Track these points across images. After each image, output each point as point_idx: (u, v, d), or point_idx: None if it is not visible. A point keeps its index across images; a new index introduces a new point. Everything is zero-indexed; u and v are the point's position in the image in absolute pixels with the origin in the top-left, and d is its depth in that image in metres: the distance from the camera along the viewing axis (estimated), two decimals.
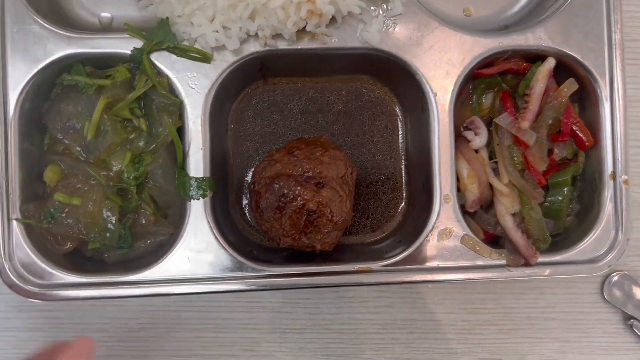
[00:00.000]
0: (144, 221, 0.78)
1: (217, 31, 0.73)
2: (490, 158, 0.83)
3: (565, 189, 0.82)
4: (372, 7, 0.77)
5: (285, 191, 0.72)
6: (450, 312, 0.88)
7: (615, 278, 0.88)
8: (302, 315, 0.86)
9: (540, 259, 0.79)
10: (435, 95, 0.78)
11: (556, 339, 0.89)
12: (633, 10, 0.90)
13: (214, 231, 0.75)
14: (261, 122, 0.85)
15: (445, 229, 0.78)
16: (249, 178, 0.84)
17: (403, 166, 0.87)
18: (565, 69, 0.82)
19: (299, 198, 0.72)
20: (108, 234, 0.75)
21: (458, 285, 0.87)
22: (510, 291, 0.88)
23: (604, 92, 0.80)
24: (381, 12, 0.78)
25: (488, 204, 0.83)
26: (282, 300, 0.86)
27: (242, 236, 0.84)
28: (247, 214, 0.84)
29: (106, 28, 0.83)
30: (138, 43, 0.75)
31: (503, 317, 0.88)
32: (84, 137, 0.74)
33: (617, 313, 0.89)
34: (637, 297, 0.88)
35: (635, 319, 0.88)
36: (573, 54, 0.80)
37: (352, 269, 0.76)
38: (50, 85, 0.77)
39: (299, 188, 0.72)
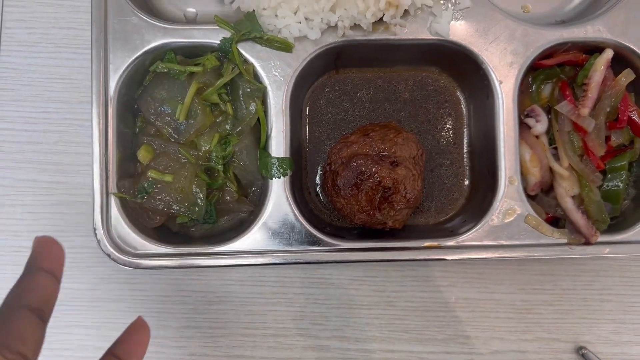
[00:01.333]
0: (228, 198, 0.84)
1: (300, 22, 0.80)
2: (550, 144, 0.87)
3: (623, 173, 0.86)
4: (442, 1, 0.83)
5: (363, 169, 0.77)
6: (510, 292, 0.92)
7: None
8: (368, 292, 0.91)
9: (600, 239, 0.83)
10: (500, 83, 0.83)
11: (612, 321, 0.92)
12: None
13: (293, 208, 0.81)
14: (332, 110, 0.91)
15: (510, 208, 0.83)
16: (321, 161, 0.90)
17: (466, 152, 0.91)
18: (623, 60, 0.86)
19: (375, 175, 0.77)
20: (197, 209, 0.81)
21: (516, 265, 0.91)
22: (567, 273, 0.92)
23: None
24: (450, 6, 0.83)
25: (548, 188, 0.88)
26: (350, 277, 0.91)
27: (315, 215, 0.89)
28: (320, 194, 0.90)
29: (191, 22, 0.90)
30: (226, 34, 0.82)
31: (560, 297, 0.92)
32: (175, 120, 0.81)
33: None
34: None
35: None
36: (631, 46, 0.85)
37: (422, 245, 0.81)
38: (143, 72, 0.84)
39: (375, 166, 0.77)
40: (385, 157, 0.78)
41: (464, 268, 0.92)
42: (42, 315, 0.44)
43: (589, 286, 0.93)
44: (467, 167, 0.91)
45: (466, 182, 0.91)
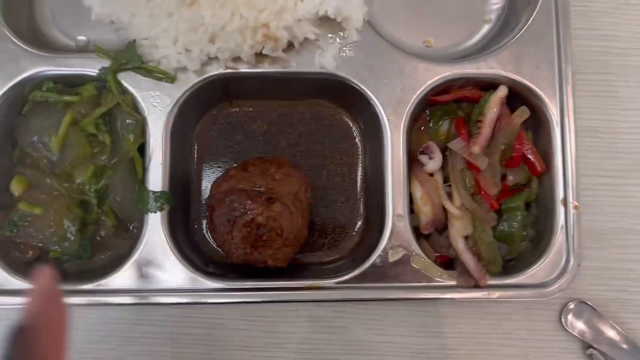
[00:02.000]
0: (103, 233, 0.80)
1: (179, 53, 0.78)
2: (445, 182, 0.85)
3: (518, 214, 0.83)
4: (329, 35, 0.81)
5: (236, 204, 0.74)
6: (407, 334, 0.88)
7: (572, 306, 0.88)
8: (257, 333, 0.87)
9: (492, 282, 0.80)
10: (388, 119, 0.81)
11: None
12: (591, 44, 0.94)
13: (169, 244, 0.78)
14: (225, 142, 0.88)
15: (396, 248, 0.79)
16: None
17: (361, 188, 0.89)
18: (519, 97, 0.85)
19: (249, 212, 0.74)
20: (67, 244, 0.77)
21: (415, 307, 0.88)
22: (467, 316, 0.89)
23: (554, 118, 0.82)
24: (338, 40, 0.81)
25: (443, 227, 0.85)
26: (239, 317, 0.87)
27: (202, 253, 0.86)
28: (206, 231, 0.86)
29: (82, 50, 0.88)
30: (107, 63, 0.79)
31: (459, 342, 0.88)
32: (51, 151, 0.78)
33: (576, 342, 0.89)
34: (595, 325, 0.88)
35: (594, 348, 0.87)
36: (525, 82, 0.83)
37: (303, 285, 0.78)
38: (22, 102, 0.81)
39: (249, 202, 0.74)
40: (261, 192, 0.75)
41: (361, 309, 0.88)
42: None
43: (490, 330, 0.89)
44: (362, 204, 0.88)
45: (360, 220, 0.88)
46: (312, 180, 0.88)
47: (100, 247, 0.81)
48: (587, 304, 0.88)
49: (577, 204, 0.81)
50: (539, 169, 0.83)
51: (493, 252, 0.82)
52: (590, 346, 0.87)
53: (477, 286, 0.80)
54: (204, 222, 0.87)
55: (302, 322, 0.87)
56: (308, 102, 0.89)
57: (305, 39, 0.79)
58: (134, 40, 0.79)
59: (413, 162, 0.85)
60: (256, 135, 0.89)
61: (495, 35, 0.91)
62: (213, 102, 0.87)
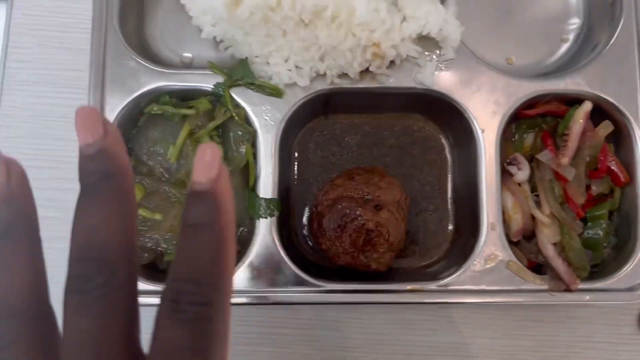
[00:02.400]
0: None
1: (290, 70, 0.83)
2: (533, 191, 0.89)
3: (603, 222, 0.88)
4: (426, 52, 0.87)
5: (347, 211, 0.79)
6: (494, 337, 0.92)
7: None
8: (353, 334, 0.91)
9: (581, 286, 0.84)
10: (482, 131, 0.86)
11: None
12: None
13: (279, 248, 0.83)
14: (321, 153, 0.94)
15: (491, 254, 0.84)
16: (308, 202, 0.92)
17: (450, 197, 0.94)
18: (602, 112, 0.90)
19: (359, 218, 0.79)
20: None
21: (501, 311, 0.92)
22: (551, 320, 0.93)
23: (637, 133, 0.87)
24: (434, 57, 0.87)
25: (530, 235, 0.90)
26: (335, 319, 0.91)
27: (302, 255, 0.91)
28: (306, 236, 0.91)
29: (187, 66, 0.94)
30: (219, 79, 0.85)
31: (544, 344, 0.92)
32: (167, 160, 0.84)
33: None
34: None
35: None
36: (608, 98, 0.88)
37: (405, 288, 0.82)
38: (138, 114, 0.87)
39: (359, 209, 0.79)
40: (369, 200, 0.80)
41: (449, 312, 0.93)
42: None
43: (572, 333, 0.93)
44: (451, 213, 0.93)
45: (450, 227, 0.93)
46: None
47: None
48: None
49: None
50: (622, 179, 0.88)
51: (581, 257, 0.86)
52: None
53: (567, 290, 0.84)
54: (303, 229, 0.92)
55: (393, 324, 0.92)
56: (399, 115, 0.95)
57: (407, 56, 0.85)
58: (246, 57, 0.85)
59: (503, 173, 0.90)
60: (350, 146, 0.94)
61: (575, 53, 0.96)
62: (312, 116, 0.93)
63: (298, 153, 0.93)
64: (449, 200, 0.94)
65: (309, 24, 0.79)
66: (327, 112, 0.93)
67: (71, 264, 0.36)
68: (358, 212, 0.79)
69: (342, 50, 0.80)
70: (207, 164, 0.37)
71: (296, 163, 0.93)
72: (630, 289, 0.84)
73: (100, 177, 0.37)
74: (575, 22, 0.98)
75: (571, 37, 0.98)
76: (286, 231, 0.90)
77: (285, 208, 0.90)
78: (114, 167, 0.37)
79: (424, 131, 0.95)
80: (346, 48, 0.80)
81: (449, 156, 0.94)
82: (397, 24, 0.81)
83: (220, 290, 0.36)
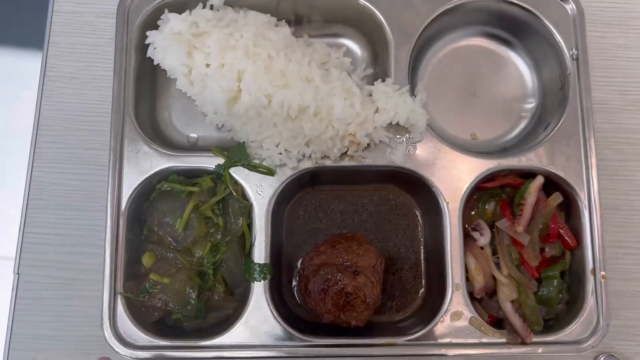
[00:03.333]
0: (216, 297, 0.98)
1: (280, 153, 0.97)
2: (493, 254, 1.02)
3: (555, 281, 1.00)
4: (397, 136, 1.01)
5: (329, 277, 0.92)
6: None
7: (602, 358, 1.04)
8: None
9: (535, 339, 0.96)
10: (447, 203, 1.00)
11: None
12: (612, 135, 1.12)
13: (271, 307, 0.95)
14: (309, 220, 1.07)
15: (456, 311, 0.97)
16: (298, 264, 1.05)
17: (422, 258, 1.07)
18: (553, 184, 1.03)
19: (339, 282, 0.92)
20: (189, 307, 0.95)
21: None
22: None
23: (583, 203, 1.00)
24: (404, 140, 1.01)
25: (492, 292, 1.02)
26: None
27: (291, 312, 1.03)
28: (295, 294, 1.04)
29: (192, 145, 1.08)
30: (220, 160, 0.99)
31: None
32: (175, 230, 0.97)
33: None
34: None
35: None
36: (558, 173, 1.01)
37: (380, 342, 0.95)
38: (151, 189, 1.01)
39: (339, 274, 0.92)
40: (348, 266, 0.93)
41: None
42: None
43: None
44: (423, 272, 1.06)
45: (422, 285, 1.06)
46: (381, 250, 1.06)
47: (211, 308, 0.99)
48: (615, 357, 1.04)
49: (604, 273, 0.98)
50: (571, 244, 1.01)
51: (535, 313, 0.98)
52: None
53: (523, 343, 0.96)
54: (293, 287, 1.04)
55: None
56: (377, 186, 1.08)
57: (380, 141, 0.99)
58: (244, 142, 0.99)
59: (465, 237, 1.03)
60: (334, 213, 1.08)
61: (531, 130, 1.10)
62: (301, 188, 1.07)
63: (289, 221, 1.07)
64: (422, 261, 1.07)
65: (295, 119, 0.93)
66: (314, 185, 1.07)
67: None
68: (338, 277, 0.92)
69: (324, 139, 0.94)
70: None
71: (287, 229, 1.07)
72: (578, 342, 0.96)
73: None
74: (532, 102, 1.12)
75: (529, 115, 1.12)
76: (277, 290, 1.03)
77: (277, 270, 1.03)
78: None
79: (398, 200, 1.08)
80: (327, 137, 0.94)
81: (420, 222, 1.08)
82: (370, 115, 0.96)
83: None
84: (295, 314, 1.03)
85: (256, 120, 0.95)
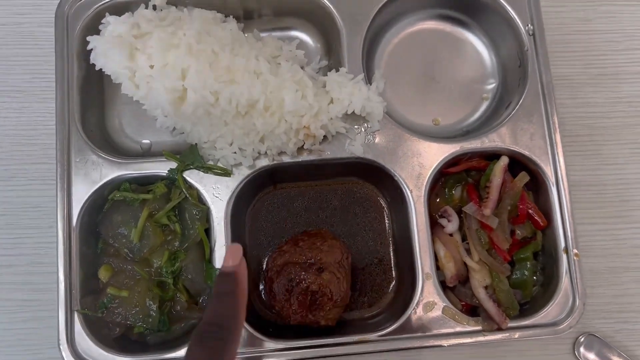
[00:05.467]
0: (179, 307, 0.94)
1: (235, 152, 0.94)
2: (463, 240, 0.99)
3: (528, 263, 0.97)
4: (355, 126, 0.98)
5: (293, 276, 0.89)
6: None
7: (583, 339, 1.01)
8: None
9: (511, 324, 0.93)
10: (411, 191, 0.97)
11: None
12: (577, 110, 1.10)
13: None
14: (272, 219, 1.04)
15: (428, 302, 0.93)
16: (264, 266, 1.01)
17: (391, 250, 1.03)
18: (519, 164, 1.00)
19: (303, 281, 0.88)
20: (150, 319, 0.91)
21: (445, 352, 1.01)
22: (492, 355, 1.02)
23: (550, 180, 0.98)
24: (363, 130, 0.98)
25: (465, 279, 0.99)
26: None
27: (260, 316, 0.99)
28: (264, 297, 1.00)
29: (146, 151, 1.04)
30: (173, 164, 0.95)
31: None
32: (131, 241, 0.93)
33: None
34: (605, 355, 1.01)
35: None
36: (522, 152, 0.99)
37: (352, 340, 0.91)
38: (103, 200, 0.97)
39: (303, 273, 0.89)
40: (312, 264, 0.90)
41: (399, 356, 1.01)
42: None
43: None
44: (394, 264, 1.03)
45: (393, 278, 1.03)
46: (349, 246, 1.02)
47: (176, 319, 0.95)
48: (596, 336, 1.02)
49: (577, 251, 0.95)
50: (541, 223, 0.98)
51: (510, 298, 0.95)
52: None
53: (499, 329, 0.93)
54: (261, 290, 1.01)
55: None
56: (340, 180, 1.05)
57: (337, 132, 0.96)
58: (196, 144, 0.95)
59: (434, 225, 1.00)
60: (298, 211, 1.04)
61: (493, 111, 1.07)
62: (261, 187, 1.03)
63: (252, 222, 1.03)
64: (391, 253, 1.03)
65: (245, 115, 0.90)
66: (275, 184, 1.04)
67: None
68: (302, 276, 0.88)
69: (278, 133, 0.91)
70: (233, 255, 0.69)
71: (250, 230, 1.03)
72: (555, 324, 0.94)
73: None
74: (492, 82, 1.10)
75: (490, 95, 1.09)
76: None
77: None
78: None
79: (363, 192, 1.05)
80: (281, 132, 0.90)
81: (386, 213, 1.05)
82: (324, 106, 0.92)
83: (232, 333, 0.64)
84: (264, 318, 0.99)
85: (206, 120, 0.91)
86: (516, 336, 0.93)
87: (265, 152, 0.94)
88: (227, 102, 0.87)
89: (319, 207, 1.04)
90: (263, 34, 1.06)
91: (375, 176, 1.02)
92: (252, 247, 1.03)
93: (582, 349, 1.01)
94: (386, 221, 1.04)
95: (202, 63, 0.87)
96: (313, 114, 0.91)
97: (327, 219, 1.04)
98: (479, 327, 0.93)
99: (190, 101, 0.87)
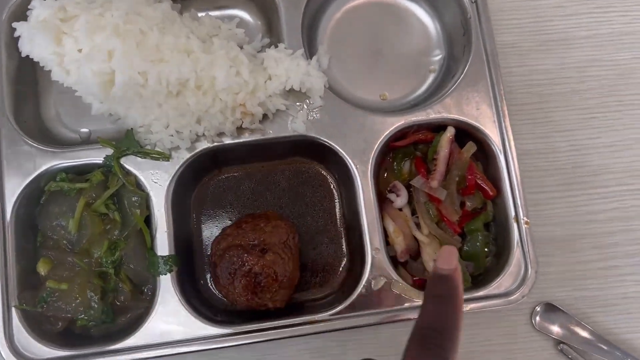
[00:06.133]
0: (122, 298, 0.92)
1: (172, 135, 0.91)
2: (413, 214, 0.97)
3: (479, 234, 0.96)
4: (297, 103, 0.95)
5: (235, 259, 0.86)
6: (398, 353, 0.99)
7: (539, 308, 1.00)
8: None
9: (464, 296, 0.91)
10: (356, 167, 0.94)
11: None
12: (525, 78, 1.08)
13: (181, 301, 0.89)
14: (218, 204, 1.01)
15: (377, 278, 0.91)
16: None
17: (342, 229, 1.01)
18: (466, 134, 0.98)
19: (246, 264, 0.86)
20: (92, 312, 0.88)
21: (401, 328, 0.98)
22: None
23: (498, 148, 0.96)
24: (305, 106, 0.95)
25: (417, 254, 0.97)
26: (250, 358, 0.97)
27: (210, 304, 0.97)
28: (211, 284, 0.98)
29: (85, 141, 1.01)
30: (110, 151, 0.92)
31: None
32: (69, 232, 0.90)
33: (548, 340, 1.00)
34: (563, 323, 0.99)
35: (564, 343, 0.99)
36: (468, 121, 0.97)
37: (300, 321, 0.89)
38: (40, 192, 0.94)
39: (246, 255, 0.86)
40: (255, 245, 0.87)
41: (356, 335, 0.99)
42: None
43: (472, 339, 1.00)
44: (345, 243, 1.01)
45: (345, 256, 1.00)
46: (299, 227, 1.00)
47: (121, 310, 0.92)
48: (553, 305, 1.00)
49: (527, 220, 0.94)
50: (490, 193, 0.96)
51: (462, 270, 0.93)
52: (561, 342, 0.99)
53: None
54: (208, 276, 0.98)
55: (305, 355, 0.98)
56: (287, 160, 1.03)
57: (277, 110, 0.93)
58: (132, 128, 0.92)
59: (384, 200, 0.98)
60: (245, 194, 1.01)
61: (441, 82, 1.05)
62: (205, 171, 1.00)
63: (198, 207, 1.00)
64: (342, 232, 1.01)
65: (178, 95, 0.87)
66: (219, 166, 1.01)
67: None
68: (245, 258, 0.86)
69: (213, 113, 0.88)
70: (449, 257, 0.61)
71: (197, 217, 1.00)
72: (507, 294, 0.92)
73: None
74: (439, 53, 1.08)
75: (437, 67, 1.07)
76: (191, 282, 0.96)
77: (188, 260, 0.97)
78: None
79: (310, 171, 1.03)
80: (216, 111, 0.88)
81: (335, 191, 1.02)
82: (261, 83, 0.90)
83: (453, 342, 0.58)
84: (212, 305, 0.97)
85: (138, 102, 0.88)
86: (469, 308, 0.91)
87: (203, 133, 0.91)
88: (156, 81, 0.84)
89: (267, 189, 1.02)
90: (202, 14, 1.03)
91: (321, 154, 0.99)
92: (199, 233, 1.00)
93: (537, 318, 1.00)
94: (336, 199, 1.02)
95: (128, 43, 0.84)
96: (249, 91, 0.88)
97: (275, 201, 1.02)
98: None
99: (119, 83, 0.84)
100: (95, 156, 0.93)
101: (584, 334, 0.98)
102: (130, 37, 0.85)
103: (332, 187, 1.02)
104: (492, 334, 1.01)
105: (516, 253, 0.93)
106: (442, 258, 0.62)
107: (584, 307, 1.02)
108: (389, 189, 0.98)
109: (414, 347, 0.58)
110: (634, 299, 1.02)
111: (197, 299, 0.94)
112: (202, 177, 1.01)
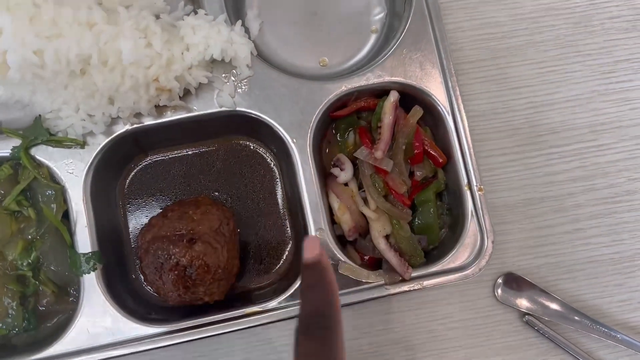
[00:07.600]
0: (45, 302, 0.84)
1: (83, 119, 0.82)
2: (360, 189, 0.90)
3: (431, 205, 0.89)
4: (223, 75, 0.86)
5: (160, 252, 0.78)
6: (355, 337, 0.93)
7: (500, 280, 0.94)
8: None
9: (417, 273, 0.85)
10: (294, 141, 0.86)
11: (461, 347, 0.93)
12: (476, 33, 1.00)
13: (109, 300, 0.81)
14: (147, 192, 0.92)
15: None
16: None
17: (286, 210, 0.93)
18: (412, 98, 0.90)
19: (172, 256, 0.78)
20: (10, 320, 0.80)
21: (355, 310, 0.92)
22: (408, 308, 0.94)
23: (446, 110, 0.88)
24: (232, 78, 0.86)
25: (366, 231, 0.90)
26: (192, 356, 0.90)
27: (144, 301, 0.89)
28: (143, 280, 0.90)
29: None
30: (17, 142, 0.83)
31: (406, 334, 0.93)
32: None
33: (512, 312, 0.94)
34: (525, 292, 0.93)
35: (528, 314, 0.93)
36: (412, 83, 0.89)
37: (237, 315, 0.82)
38: None
39: (171, 247, 0.78)
40: (182, 235, 0.79)
41: None
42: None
43: (432, 317, 0.94)
44: (288, 224, 0.93)
45: (290, 239, 0.93)
46: (239, 211, 0.92)
47: (46, 315, 0.84)
48: (516, 275, 0.94)
49: (481, 186, 0.87)
50: (440, 160, 0.89)
51: (412, 245, 0.87)
52: (527, 313, 0.93)
53: (403, 280, 0.85)
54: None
55: (254, 348, 0.91)
56: (219, 139, 0.94)
57: (200, 83, 0.84)
58: (40, 115, 0.83)
59: (328, 176, 0.90)
60: (176, 179, 0.93)
61: (383, 43, 0.97)
62: (129, 157, 0.92)
63: (126, 198, 0.92)
64: (286, 213, 0.93)
65: (84, 74, 0.78)
66: (145, 150, 0.92)
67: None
68: (171, 250, 0.78)
69: (125, 91, 0.79)
70: (312, 246, 0.64)
71: (125, 208, 0.92)
72: (463, 267, 0.85)
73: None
74: (380, 12, 0.99)
75: (379, 27, 0.99)
76: (123, 279, 0.88)
77: (119, 255, 0.89)
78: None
79: (247, 150, 0.94)
80: (127, 89, 0.79)
81: (275, 170, 0.94)
82: (177, 55, 0.81)
83: (336, 320, 0.61)
84: (147, 302, 0.89)
85: (42, 85, 0.79)
86: (423, 285, 0.84)
87: (118, 115, 0.82)
88: (54, 60, 0.74)
89: (200, 172, 0.93)
90: None
91: (255, 130, 0.91)
92: (127, 226, 0.92)
93: (499, 290, 0.93)
94: (277, 178, 0.94)
95: (19, 19, 0.74)
96: (162, 64, 0.79)
97: (211, 184, 0.93)
98: (381, 281, 0.84)
99: (13, 64, 0.74)
100: (2, 148, 0.84)
101: (550, 303, 0.92)
102: (21, 12, 0.74)
103: (271, 165, 0.94)
104: (452, 309, 0.94)
105: (471, 223, 0.87)
106: (306, 248, 0.64)
107: (548, 275, 0.96)
108: (332, 163, 0.90)
109: (302, 339, 0.60)
110: (599, 262, 0.96)
111: (130, 297, 0.86)
112: (126, 163, 0.92)
